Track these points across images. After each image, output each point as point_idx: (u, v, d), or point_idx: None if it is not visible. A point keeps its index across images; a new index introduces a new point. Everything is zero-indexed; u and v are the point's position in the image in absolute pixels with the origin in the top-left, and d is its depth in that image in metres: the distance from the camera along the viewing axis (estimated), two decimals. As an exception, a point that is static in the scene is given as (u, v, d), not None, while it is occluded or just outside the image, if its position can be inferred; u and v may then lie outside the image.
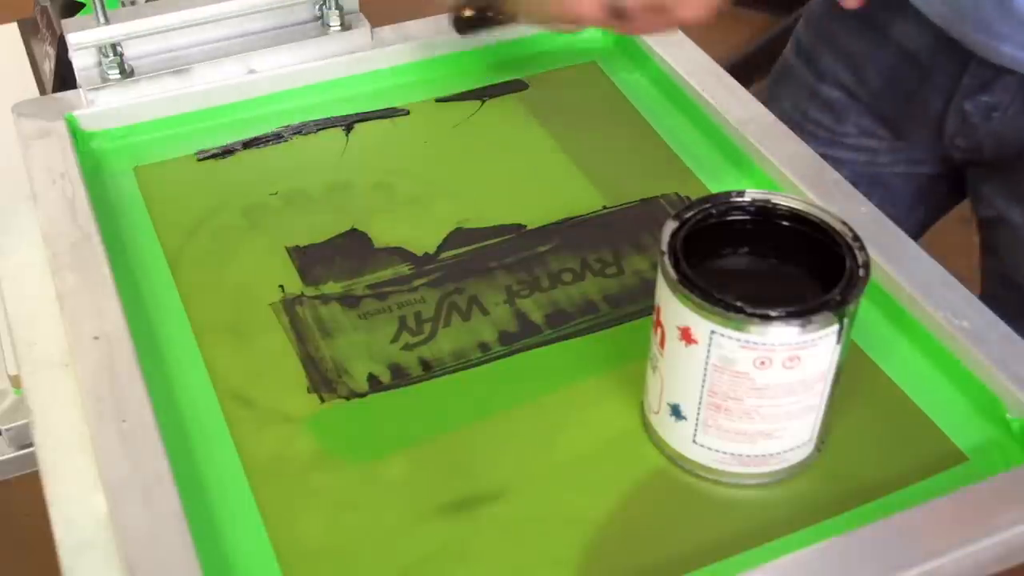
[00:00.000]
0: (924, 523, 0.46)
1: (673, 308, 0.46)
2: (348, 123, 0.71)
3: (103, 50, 0.69)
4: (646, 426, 0.52)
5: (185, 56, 0.71)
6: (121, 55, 0.69)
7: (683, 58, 0.73)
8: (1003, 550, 0.47)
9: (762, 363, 0.45)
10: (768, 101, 0.75)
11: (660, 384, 0.49)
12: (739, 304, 0.44)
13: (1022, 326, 0.55)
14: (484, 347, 0.57)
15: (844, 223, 0.48)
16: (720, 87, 0.70)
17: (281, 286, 0.60)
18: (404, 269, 0.61)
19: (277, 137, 0.70)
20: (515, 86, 0.75)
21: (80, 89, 0.69)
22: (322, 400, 0.54)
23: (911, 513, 0.47)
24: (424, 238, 0.63)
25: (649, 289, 0.50)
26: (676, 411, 0.49)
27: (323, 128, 0.71)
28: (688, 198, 0.66)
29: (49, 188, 0.63)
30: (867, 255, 0.47)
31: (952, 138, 0.76)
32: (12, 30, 0.88)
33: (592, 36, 0.79)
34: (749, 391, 0.46)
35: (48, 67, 0.78)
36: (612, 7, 0.57)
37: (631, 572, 0.47)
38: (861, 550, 0.46)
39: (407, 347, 0.57)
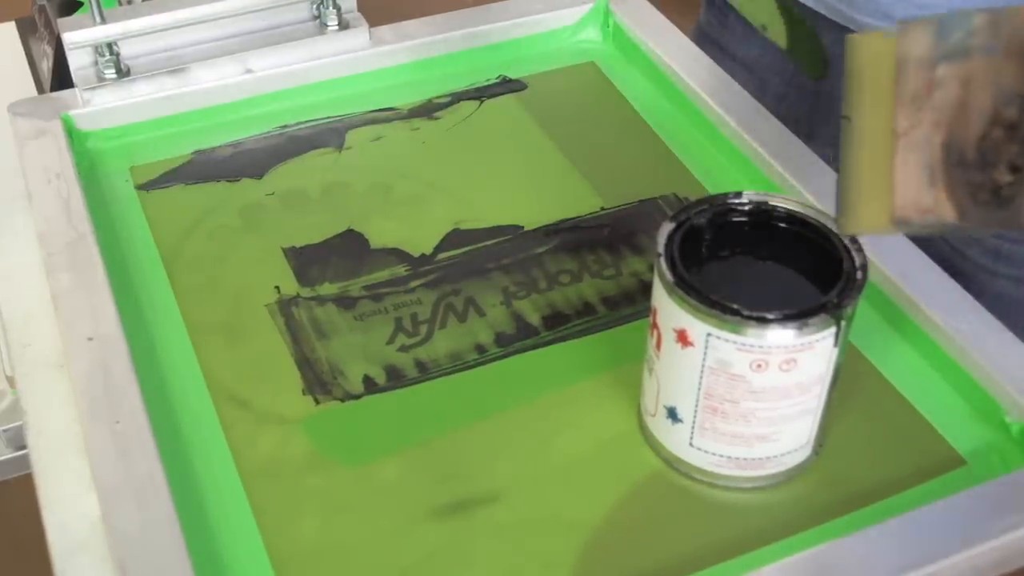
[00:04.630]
0: (922, 527, 0.46)
1: (669, 310, 0.46)
2: (347, 123, 0.71)
3: (99, 49, 0.69)
4: (642, 429, 0.52)
5: (182, 55, 0.71)
6: (117, 54, 0.69)
7: (682, 58, 0.73)
8: (1002, 554, 0.46)
9: (758, 366, 0.45)
10: None
11: (656, 386, 0.49)
12: (735, 306, 0.44)
13: None
14: (480, 349, 0.56)
15: (842, 225, 0.48)
16: (719, 88, 0.70)
17: (277, 287, 0.60)
18: (401, 270, 0.61)
19: (274, 137, 0.70)
20: (513, 86, 0.75)
21: (76, 88, 0.69)
22: (317, 402, 0.54)
23: (909, 517, 0.47)
24: (421, 239, 0.63)
25: (646, 291, 0.50)
26: (672, 414, 0.49)
27: (321, 128, 0.71)
28: (686, 199, 0.66)
29: (44, 188, 0.62)
30: (865, 257, 0.46)
31: None
32: (10, 29, 0.88)
33: (590, 36, 0.79)
34: (745, 394, 0.46)
35: (46, 66, 0.78)
36: None
37: (627, 575, 0.47)
38: (859, 554, 0.45)
39: (403, 348, 0.56)
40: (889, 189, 0.42)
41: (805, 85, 0.80)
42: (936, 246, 0.77)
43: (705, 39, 0.86)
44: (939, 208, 0.41)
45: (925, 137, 0.41)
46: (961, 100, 0.40)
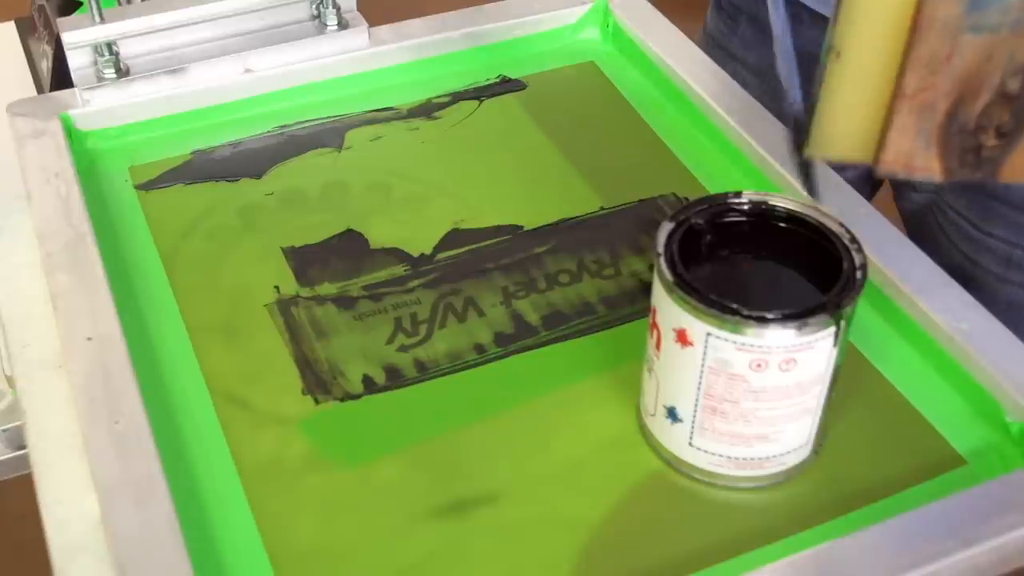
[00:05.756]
0: (922, 527, 0.46)
1: (669, 310, 0.46)
2: (346, 123, 0.71)
3: (98, 49, 0.69)
4: (642, 429, 0.52)
5: (181, 55, 0.71)
6: (116, 54, 0.69)
7: (682, 58, 0.73)
8: (1001, 554, 0.46)
9: (758, 365, 0.45)
10: None
11: (656, 386, 0.49)
12: (735, 306, 0.44)
13: None
14: (480, 348, 0.56)
15: (842, 225, 0.48)
16: (718, 87, 0.70)
17: (276, 287, 0.60)
18: (400, 270, 0.61)
19: (273, 137, 0.70)
20: (513, 86, 0.75)
21: (75, 88, 0.69)
22: (316, 402, 0.54)
23: (909, 517, 0.47)
24: (420, 239, 0.63)
25: (646, 291, 0.50)
26: (672, 414, 0.49)
27: (320, 127, 0.71)
28: (686, 199, 0.66)
29: (43, 188, 0.62)
30: (864, 257, 0.46)
31: None
32: (9, 28, 0.88)
33: (590, 36, 0.79)
34: (745, 394, 0.46)
35: (45, 66, 0.78)
36: None
37: (627, 575, 0.47)
38: (858, 554, 0.45)
39: (402, 348, 0.56)
40: (869, 124, 0.42)
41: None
42: (947, 253, 0.77)
43: (713, 45, 0.86)
44: (928, 168, 0.42)
45: (932, 103, 0.40)
46: (976, 71, 0.40)
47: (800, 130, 0.44)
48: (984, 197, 0.76)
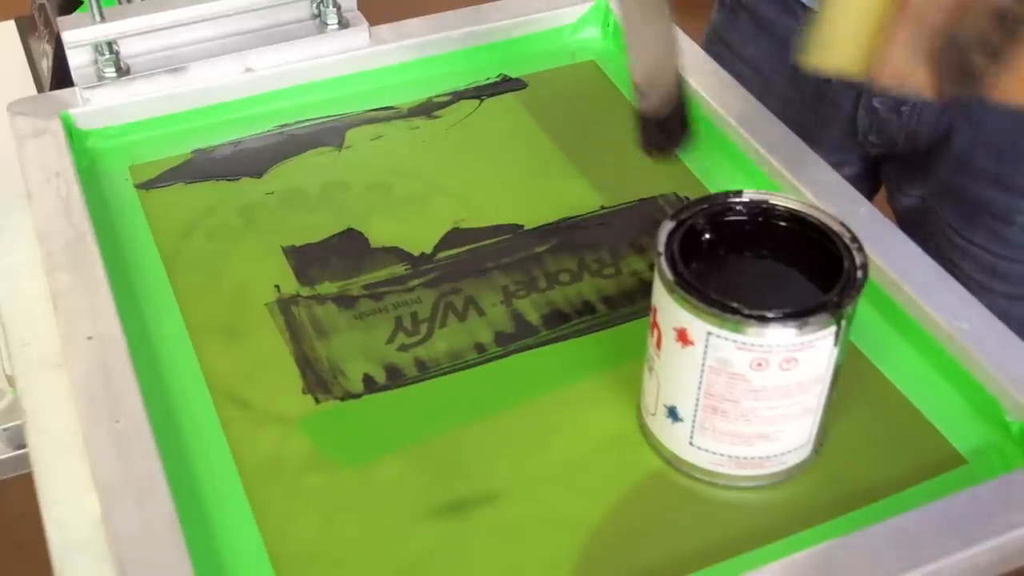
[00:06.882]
0: (922, 526, 0.46)
1: (670, 309, 0.46)
2: (347, 122, 0.71)
3: (99, 48, 0.69)
4: (643, 428, 0.52)
5: (181, 54, 0.71)
6: (117, 53, 0.69)
7: (682, 57, 0.72)
8: (1002, 553, 0.46)
9: (759, 365, 0.45)
10: None
11: (656, 386, 0.49)
12: (736, 305, 0.44)
13: None
14: (480, 348, 0.56)
15: (842, 224, 0.48)
16: (719, 86, 0.70)
17: (277, 286, 0.60)
18: (400, 269, 0.61)
19: (273, 136, 0.70)
20: (513, 85, 0.75)
21: (76, 87, 0.69)
22: (317, 401, 0.54)
23: (909, 516, 0.46)
24: (421, 238, 0.63)
25: (647, 290, 0.50)
26: (673, 413, 0.49)
27: (320, 127, 0.71)
28: (687, 198, 0.66)
29: (44, 187, 0.62)
30: (865, 256, 0.46)
31: (865, 135, 0.80)
32: (10, 28, 0.88)
33: (591, 35, 0.79)
34: (746, 393, 0.46)
35: (46, 65, 0.78)
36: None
37: (627, 575, 0.47)
38: (859, 553, 0.45)
39: (403, 348, 0.56)
40: (866, 36, 0.43)
41: (810, 90, 0.80)
42: (933, 257, 0.77)
43: (715, 38, 0.87)
44: (918, 82, 0.43)
45: (926, 16, 0.41)
46: None
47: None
48: (967, 204, 0.76)
